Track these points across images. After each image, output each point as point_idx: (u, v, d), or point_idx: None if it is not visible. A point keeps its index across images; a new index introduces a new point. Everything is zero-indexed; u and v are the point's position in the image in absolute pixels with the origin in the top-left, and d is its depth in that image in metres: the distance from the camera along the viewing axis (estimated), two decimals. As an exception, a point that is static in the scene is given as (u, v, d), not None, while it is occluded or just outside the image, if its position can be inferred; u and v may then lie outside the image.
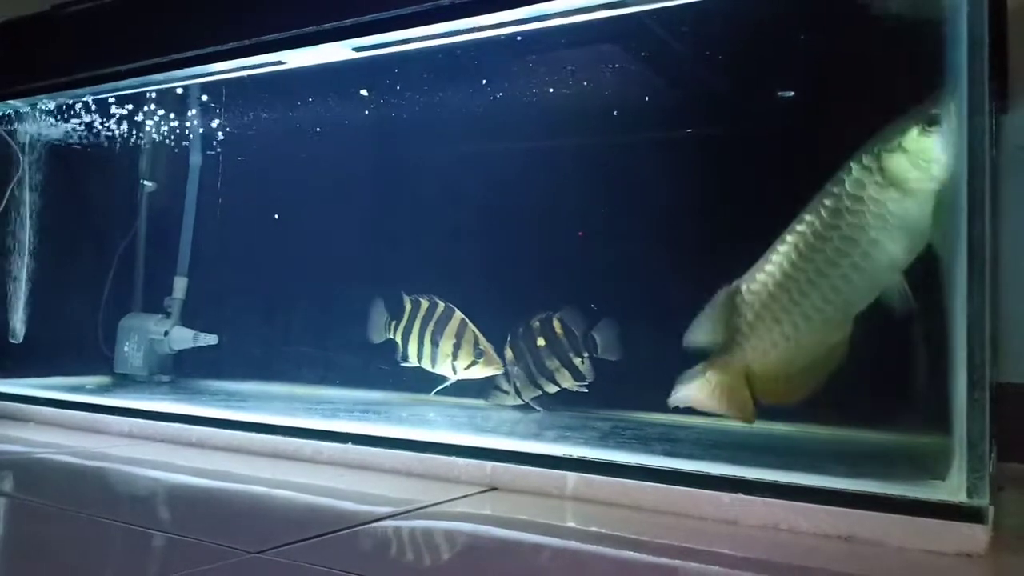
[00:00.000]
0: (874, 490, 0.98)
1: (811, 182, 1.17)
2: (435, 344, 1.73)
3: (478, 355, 1.70)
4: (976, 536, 0.92)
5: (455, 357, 1.72)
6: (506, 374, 1.75)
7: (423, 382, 1.82)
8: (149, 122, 2.22)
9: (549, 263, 1.84)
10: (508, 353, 1.75)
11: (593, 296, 1.75)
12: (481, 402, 1.80)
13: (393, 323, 1.80)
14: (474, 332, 1.72)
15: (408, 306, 1.78)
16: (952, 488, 0.95)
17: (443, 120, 1.95)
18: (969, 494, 0.93)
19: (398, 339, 1.79)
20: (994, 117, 1.21)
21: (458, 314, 1.73)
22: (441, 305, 1.75)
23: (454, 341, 1.71)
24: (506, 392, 1.77)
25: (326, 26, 1.45)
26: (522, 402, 1.76)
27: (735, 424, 1.55)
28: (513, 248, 1.86)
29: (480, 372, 1.73)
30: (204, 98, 2.20)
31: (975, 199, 0.96)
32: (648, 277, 1.67)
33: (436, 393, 1.77)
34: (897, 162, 1.06)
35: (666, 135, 1.76)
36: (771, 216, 1.22)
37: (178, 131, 2.25)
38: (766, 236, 1.20)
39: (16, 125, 2.09)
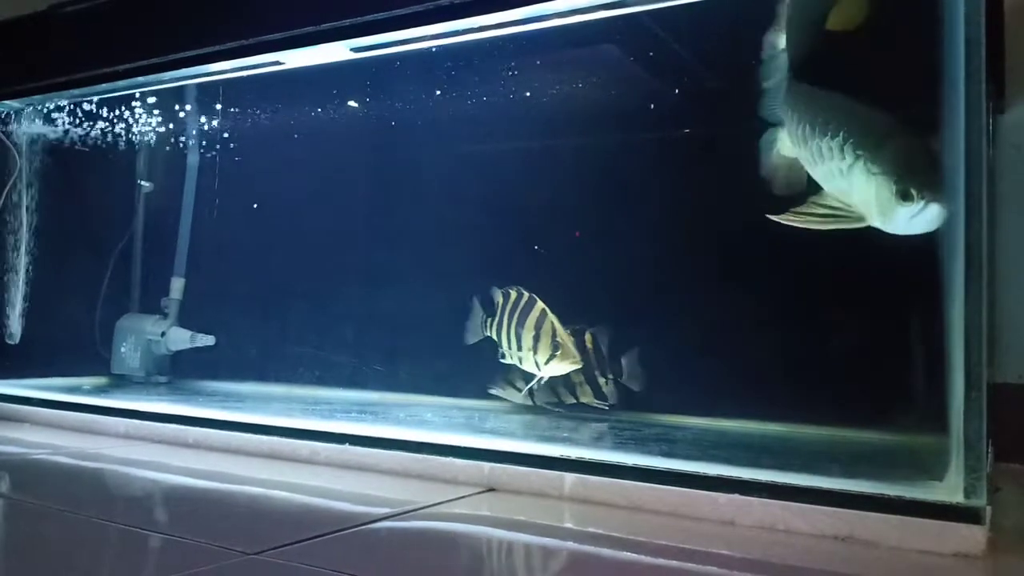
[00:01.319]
0: (871, 490, 0.98)
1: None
2: (519, 339, 1.59)
3: (554, 348, 1.54)
4: (974, 537, 0.92)
5: (535, 351, 1.56)
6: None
7: (422, 383, 1.82)
8: (146, 122, 2.22)
9: (548, 265, 1.82)
10: None
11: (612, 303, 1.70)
12: (490, 402, 1.75)
13: (489, 320, 1.67)
14: (552, 323, 1.55)
15: (500, 300, 1.65)
16: (949, 489, 0.95)
17: (441, 119, 1.95)
18: (967, 495, 0.93)
19: (496, 335, 1.66)
20: (990, 116, 1.21)
21: (539, 304, 1.58)
22: (525, 295, 1.61)
23: (533, 333, 1.57)
24: (518, 390, 1.71)
25: (325, 26, 1.45)
26: (531, 403, 1.71)
27: (732, 425, 1.57)
28: (514, 250, 1.85)
29: (558, 368, 1.56)
30: (202, 98, 2.20)
31: (972, 199, 0.96)
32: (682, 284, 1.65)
33: (528, 392, 1.68)
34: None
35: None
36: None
37: (175, 131, 2.25)
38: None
39: (13, 125, 2.08)
